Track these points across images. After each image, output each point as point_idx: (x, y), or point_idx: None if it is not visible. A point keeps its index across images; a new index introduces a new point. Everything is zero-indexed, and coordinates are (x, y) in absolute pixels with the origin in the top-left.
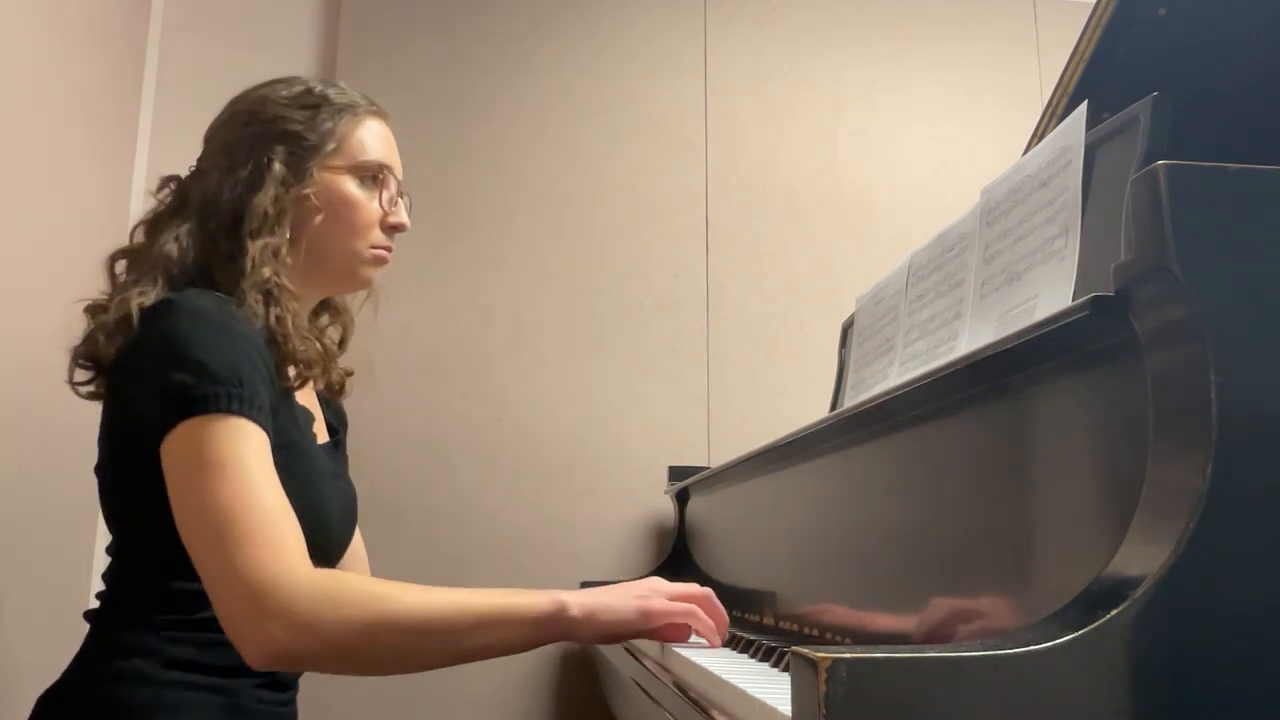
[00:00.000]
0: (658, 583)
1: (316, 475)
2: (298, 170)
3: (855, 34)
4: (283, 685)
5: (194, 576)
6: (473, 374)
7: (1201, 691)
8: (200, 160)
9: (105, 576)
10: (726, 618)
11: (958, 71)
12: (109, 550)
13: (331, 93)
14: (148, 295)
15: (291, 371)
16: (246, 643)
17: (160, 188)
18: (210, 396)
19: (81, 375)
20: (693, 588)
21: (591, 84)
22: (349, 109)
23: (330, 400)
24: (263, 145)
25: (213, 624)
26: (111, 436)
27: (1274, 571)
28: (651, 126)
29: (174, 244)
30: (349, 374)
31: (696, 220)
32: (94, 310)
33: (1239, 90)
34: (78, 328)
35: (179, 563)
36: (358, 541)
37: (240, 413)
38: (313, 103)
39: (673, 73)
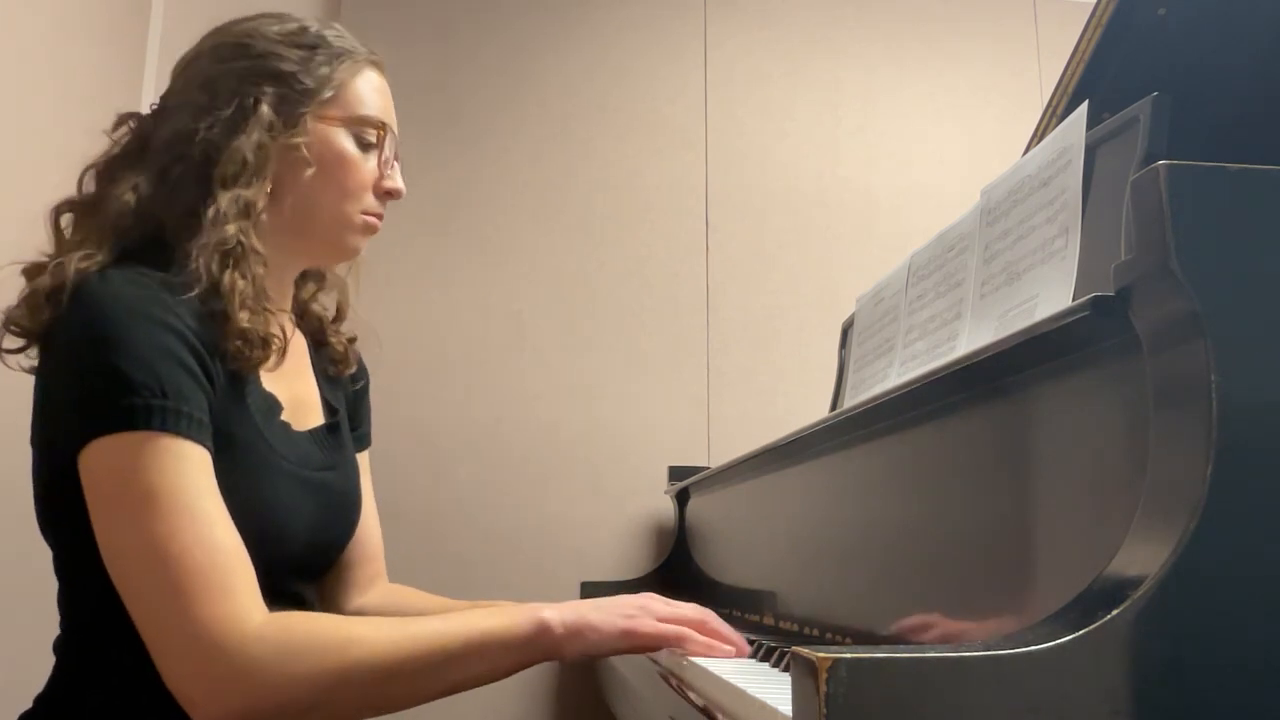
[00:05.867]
0: (650, 599)
1: (270, 475)
2: (288, 116)
3: (855, 34)
4: None
5: None
6: (473, 374)
7: (1201, 692)
8: (166, 97)
9: (57, 602)
10: (738, 638)
11: (958, 71)
12: (55, 569)
13: (329, 34)
14: (92, 260)
15: (238, 344)
16: (196, 709)
17: (117, 125)
18: (128, 410)
19: (12, 343)
20: (688, 608)
21: (592, 83)
22: (348, 54)
23: (336, 377)
24: (249, 83)
25: None
26: (38, 437)
27: (1274, 572)
28: (652, 126)
29: (131, 194)
30: (351, 340)
31: (696, 220)
32: (31, 273)
33: (1239, 90)
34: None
35: None
36: (370, 538)
37: (169, 429)
38: (309, 43)
39: (673, 73)
